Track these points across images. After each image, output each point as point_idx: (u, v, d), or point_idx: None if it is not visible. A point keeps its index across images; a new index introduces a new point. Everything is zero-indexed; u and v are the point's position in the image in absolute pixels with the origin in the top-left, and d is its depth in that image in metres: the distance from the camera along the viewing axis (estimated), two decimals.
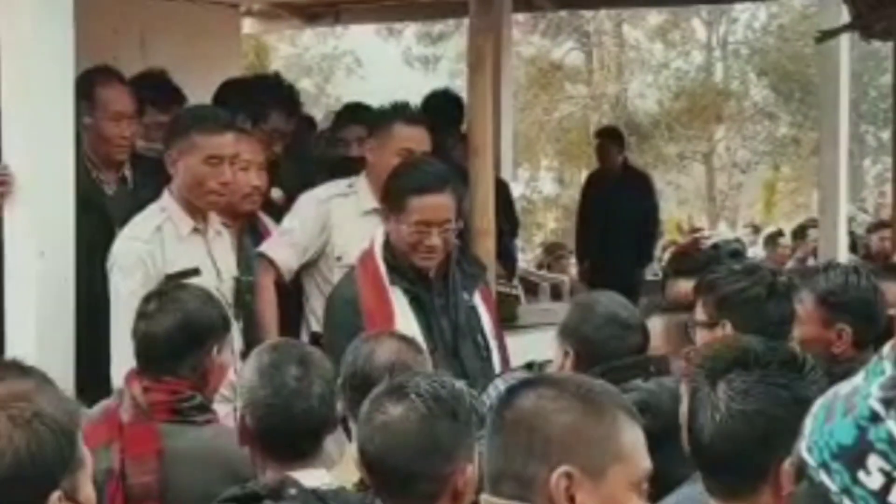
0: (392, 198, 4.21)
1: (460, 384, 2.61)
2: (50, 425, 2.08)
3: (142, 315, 3.55)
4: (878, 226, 10.46)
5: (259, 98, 5.42)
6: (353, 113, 5.98)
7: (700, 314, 3.56)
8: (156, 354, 3.37)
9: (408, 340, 3.38)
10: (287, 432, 2.87)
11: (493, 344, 4.31)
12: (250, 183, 4.72)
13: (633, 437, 2.06)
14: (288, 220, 4.82)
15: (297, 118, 5.73)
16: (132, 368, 3.50)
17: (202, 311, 3.51)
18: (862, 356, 3.62)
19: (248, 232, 4.83)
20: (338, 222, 4.71)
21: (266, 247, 4.76)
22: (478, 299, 4.34)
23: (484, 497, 2.07)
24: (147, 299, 3.60)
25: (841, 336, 3.60)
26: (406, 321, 4.10)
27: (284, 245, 4.74)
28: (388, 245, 4.20)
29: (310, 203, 4.81)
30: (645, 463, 2.07)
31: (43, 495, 2.05)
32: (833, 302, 3.62)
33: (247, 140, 4.74)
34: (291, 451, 2.87)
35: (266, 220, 4.96)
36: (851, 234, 10.03)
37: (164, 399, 3.35)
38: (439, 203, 4.13)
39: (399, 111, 4.84)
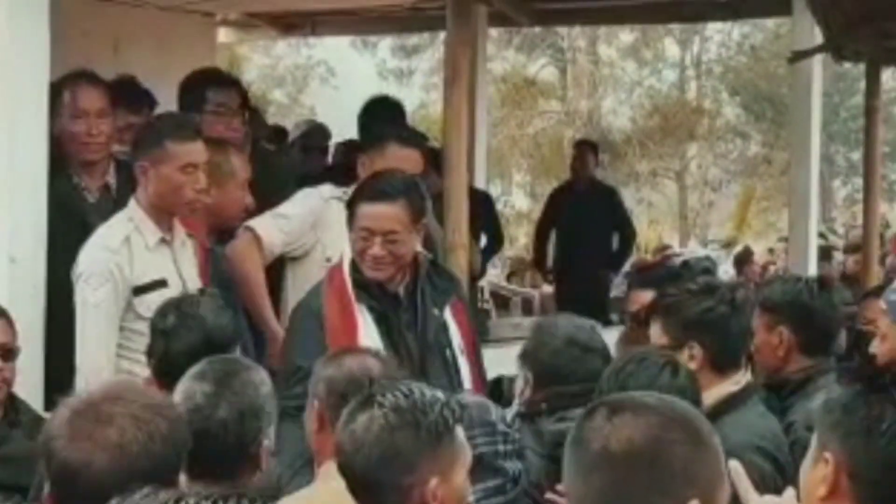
0: (348, 206, 4.24)
1: (435, 395, 2.59)
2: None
3: (162, 333, 3.52)
4: (855, 248, 10.50)
5: (192, 85, 5.40)
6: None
7: (661, 337, 3.53)
8: (178, 372, 3.19)
9: (383, 357, 3.34)
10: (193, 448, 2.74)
11: (462, 360, 4.26)
12: (244, 200, 4.74)
13: (723, 455, 1.95)
14: (287, 206, 4.82)
15: (244, 98, 5.69)
16: (146, 377, 3.50)
17: (220, 324, 3.51)
18: (817, 365, 3.73)
19: (219, 239, 4.80)
20: (331, 224, 4.70)
21: (255, 223, 4.76)
22: (449, 314, 4.29)
23: None
24: (163, 314, 3.57)
25: (781, 339, 3.71)
26: (370, 337, 4.07)
27: (275, 228, 4.75)
28: (354, 261, 4.20)
29: (311, 198, 4.84)
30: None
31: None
32: (770, 307, 3.76)
33: (244, 160, 4.77)
34: (200, 469, 2.73)
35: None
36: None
37: None
38: (382, 212, 4.09)
39: (394, 132, 4.88)
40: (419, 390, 2.59)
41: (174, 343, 3.47)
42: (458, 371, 4.22)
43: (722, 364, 3.45)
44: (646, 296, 4.43)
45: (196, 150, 4.28)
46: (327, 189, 4.87)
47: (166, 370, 3.38)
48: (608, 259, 9.43)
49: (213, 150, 4.59)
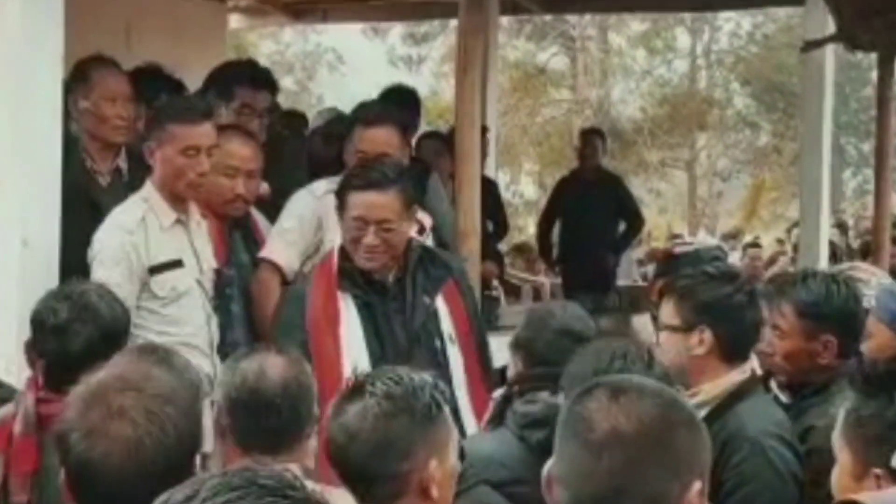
0: (338, 194, 4.19)
1: (423, 378, 2.59)
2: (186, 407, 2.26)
3: (54, 330, 3.25)
4: None
5: (223, 77, 5.39)
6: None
7: (671, 318, 3.44)
8: (75, 373, 2.74)
9: (291, 356, 3.15)
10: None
11: (452, 350, 4.21)
12: (234, 190, 4.65)
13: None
14: (285, 219, 4.74)
15: (274, 97, 5.65)
16: (31, 376, 3.27)
17: (114, 314, 3.33)
18: (844, 366, 3.53)
19: (235, 226, 4.78)
20: (333, 218, 4.60)
21: (268, 251, 4.69)
22: (441, 301, 4.25)
23: None
24: (52, 309, 3.31)
25: (827, 347, 3.50)
26: (351, 326, 4.05)
27: (284, 246, 4.67)
28: (343, 248, 4.16)
29: (305, 200, 4.75)
30: None
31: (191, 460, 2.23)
32: (816, 313, 3.52)
33: (239, 146, 4.69)
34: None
35: (256, 214, 4.92)
36: (831, 244, 10.05)
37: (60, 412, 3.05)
38: (376, 201, 4.06)
39: (359, 113, 4.81)
40: (407, 376, 2.59)
41: (71, 340, 3.22)
42: (446, 360, 4.17)
43: (730, 353, 3.37)
44: None
45: (198, 133, 4.25)
46: (321, 185, 4.79)
47: (62, 371, 3.07)
48: (613, 246, 9.41)
49: None
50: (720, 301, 3.38)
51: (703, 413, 3.26)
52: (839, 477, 2.42)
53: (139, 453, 2.14)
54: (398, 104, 6.02)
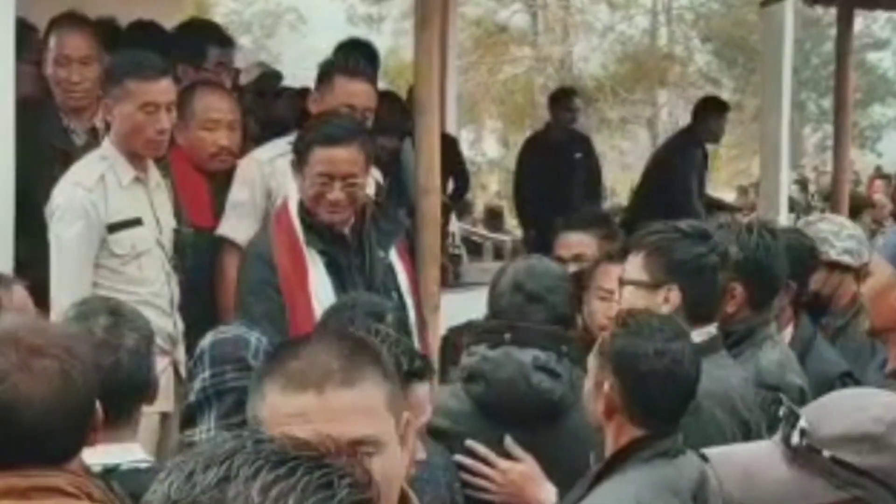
0: (298, 148, 4.12)
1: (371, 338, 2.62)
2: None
3: None
4: None
5: (191, 40, 5.36)
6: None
7: (638, 273, 3.28)
8: None
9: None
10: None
11: (409, 302, 4.23)
12: (217, 143, 4.63)
13: None
14: (237, 191, 4.64)
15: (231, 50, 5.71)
16: None
17: None
18: (761, 317, 3.58)
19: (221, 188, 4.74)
20: (282, 183, 4.52)
21: (225, 228, 4.61)
22: (394, 256, 4.26)
23: None
24: None
25: (733, 295, 3.47)
26: (320, 282, 4.03)
27: (242, 220, 4.59)
28: (303, 202, 4.10)
29: (252, 168, 4.65)
30: None
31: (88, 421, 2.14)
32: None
33: (218, 99, 4.68)
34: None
35: None
36: (790, 199, 10.10)
37: None
38: (342, 156, 4.02)
39: (340, 64, 4.75)
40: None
41: None
42: (405, 314, 4.09)
43: (694, 314, 3.21)
44: (574, 237, 4.33)
45: (156, 89, 4.19)
46: (265, 151, 4.71)
47: None
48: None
49: (181, 92, 4.56)
50: (694, 261, 3.24)
51: None
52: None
53: (68, 386, 2.05)
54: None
